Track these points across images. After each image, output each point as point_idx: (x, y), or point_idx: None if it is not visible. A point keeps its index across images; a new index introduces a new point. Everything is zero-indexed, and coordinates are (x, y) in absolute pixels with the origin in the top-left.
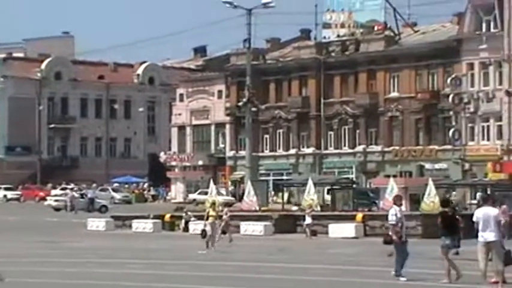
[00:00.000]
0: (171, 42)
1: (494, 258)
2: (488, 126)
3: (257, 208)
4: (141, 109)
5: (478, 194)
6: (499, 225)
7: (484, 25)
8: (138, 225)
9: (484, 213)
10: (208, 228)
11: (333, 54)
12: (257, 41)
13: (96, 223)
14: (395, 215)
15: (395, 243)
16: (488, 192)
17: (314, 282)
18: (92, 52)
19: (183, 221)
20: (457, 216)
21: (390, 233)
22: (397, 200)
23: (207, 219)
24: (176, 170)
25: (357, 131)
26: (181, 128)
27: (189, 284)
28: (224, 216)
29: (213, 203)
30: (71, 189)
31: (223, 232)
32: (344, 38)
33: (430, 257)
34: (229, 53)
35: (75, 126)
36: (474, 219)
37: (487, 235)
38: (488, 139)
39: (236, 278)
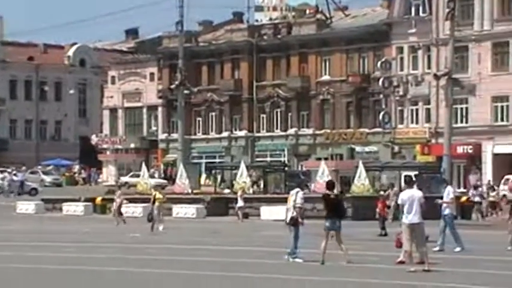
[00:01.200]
0: (102, 24)
1: (417, 240)
2: (417, 109)
3: (189, 191)
4: (72, 91)
5: (384, 177)
6: (422, 208)
7: (413, 9)
8: (69, 208)
9: (409, 196)
10: (155, 212)
11: (265, 37)
12: (189, 23)
13: (26, 206)
14: (303, 198)
15: (298, 225)
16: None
17: (243, 264)
18: (21, 33)
19: (114, 203)
20: (341, 199)
21: (295, 214)
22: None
23: (154, 202)
24: (108, 152)
25: (289, 114)
26: (113, 111)
27: (120, 267)
28: (117, 200)
29: (159, 186)
30: (9, 172)
31: (120, 214)
32: (276, 21)
33: (357, 239)
34: (161, 36)
35: (4, 108)
36: (399, 201)
37: (412, 217)
38: (417, 122)
39: (167, 261)
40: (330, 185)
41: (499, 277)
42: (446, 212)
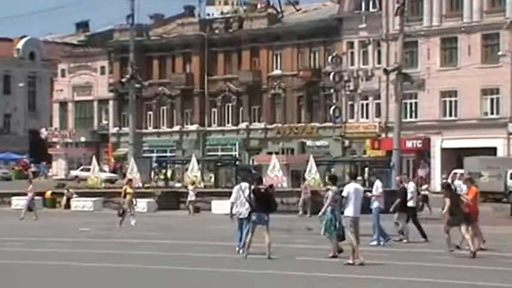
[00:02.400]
0: (52, 16)
1: (356, 233)
2: (367, 104)
3: (140, 185)
4: (21, 84)
5: (332, 171)
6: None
7: (363, 4)
8: (18, 202)
9: (355, 189)
10: (125, 206)
11: (216, 31)
12: (141, 17)
13: None
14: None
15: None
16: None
17: (192, 258)
18: None
19: (64, 198)
20: (271, 194)
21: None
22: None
23: (125, 196)
24: (58, 146)
25: (240, 108)
26: (63, 104)
27: (69, 261)
28: (29, 194)
29: (130, 180)
30: None
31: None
32: (228, 15)
33: (305, 233)
34: (112, 29)
35: None
36: (344, 194)
37: (356, 210)
38: (367, 117)
39: (116, 255)
40: (259, 180)
41: (431, 270)
42: (375, 205)
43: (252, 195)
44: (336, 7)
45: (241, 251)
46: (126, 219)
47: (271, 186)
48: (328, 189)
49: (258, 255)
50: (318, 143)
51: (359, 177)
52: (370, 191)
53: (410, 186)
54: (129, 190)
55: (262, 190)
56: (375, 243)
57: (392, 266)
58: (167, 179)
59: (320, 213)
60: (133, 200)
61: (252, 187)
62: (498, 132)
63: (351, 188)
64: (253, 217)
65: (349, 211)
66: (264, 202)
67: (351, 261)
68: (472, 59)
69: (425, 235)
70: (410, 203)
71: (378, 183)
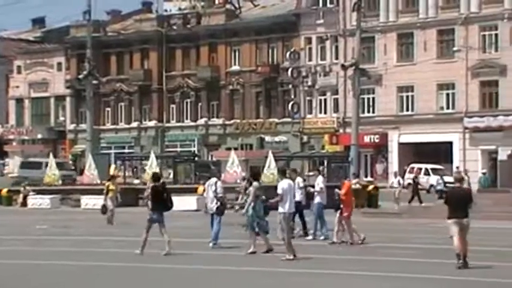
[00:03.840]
0: (8, 12)
1: (282, 227)
2: (325, 99)
3: (98, 182)
4: None
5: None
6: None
7: (320, 0)
8: None
9: (289, 185)
10: (109, 203)
11: (174, 27)
12: (98, 13)
13: None
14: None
15: (223, 214)
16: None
17: (151, 255)
18: None
19: (21, 195)
20: (167, 191)
21: (220, 204)
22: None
23: (107, 193)
24: (14, 143)
25: (199, 104)
26: (20, 101)
27: (25, 260)
28: None
29: (113, 177)
30: None
31: None
32: (185, 11)
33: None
34: (69, 25)
35: None
36: (279, 191)
37: (291, 206)
38: (325, 112)
39: (74, 253)
40: (155, 177)
41: (363, 263)
42: (317, 200)
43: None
44: (293, 3)
45: (210, 244)
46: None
47: (163, 184)
48: (250, 185)
49: (229, 249)
50: (276, 139)
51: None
52: (313, 186)
53: (300, 181)
54: (111, 187)
55: (160, 188)
56: (322, 237)
57: (332, 260)
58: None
59: (244, 210)
60: (117, 196)
61: (151, 184)
62: (454, 127)
63: (285, 185)
64: (154, 216)
65: (285, 207)
66: (161, 199)
67: (290, 257)
68: (428, 55)
69: (306, 231)
70: (297, 198)
71: (319, 179)
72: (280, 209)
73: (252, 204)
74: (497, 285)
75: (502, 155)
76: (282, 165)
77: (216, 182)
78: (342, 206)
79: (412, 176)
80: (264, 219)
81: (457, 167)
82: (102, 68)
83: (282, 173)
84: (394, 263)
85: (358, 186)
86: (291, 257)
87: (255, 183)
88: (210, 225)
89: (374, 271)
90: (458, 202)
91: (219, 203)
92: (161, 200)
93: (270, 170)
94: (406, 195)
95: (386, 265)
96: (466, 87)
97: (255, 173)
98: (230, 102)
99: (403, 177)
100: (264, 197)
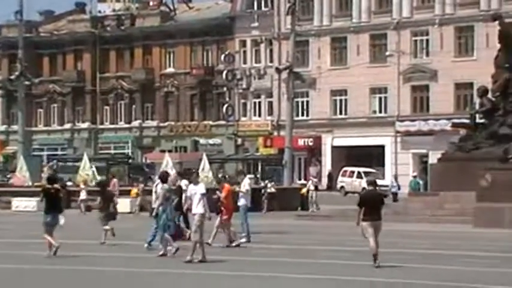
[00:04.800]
0: None
1: (195, 229)
2: (259, 102)
3: (30, 184)
4: None
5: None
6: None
7: (255, 3)
8: None
9: (192, 189)
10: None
11: (108, 28)
12: (30, 13)
13: None
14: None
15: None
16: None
17: (83, 258)
18: None
19: None
20: (61, 194)
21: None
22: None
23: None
24: None
25: (133, 106)
26: None
27: None
28: None
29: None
30: None
31: None
32: (119, 13)
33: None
34: (0, 24)
35: None
36: (188, 194)
37: (198, 208)
38: (259, 115)
39: (3, 256)
40: (51, 180)
41: (270, 264)
42: (241, 202)
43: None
44: (228, 6)
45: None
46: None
47: (62, 186)
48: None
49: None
50: (211, 141)
51: (251, 175)
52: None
53: (183, 185)
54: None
55: (53, 190)
56: (243, 240)
57: (241, 262)
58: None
59: (154, 213)
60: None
61: (43, 187)
62: (386, 131)
63: (192, 188)
64: (48, 219)
65: (199, 209)
66: (54, 202)
67: (189, 258)
68: (361, 59)
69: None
70: (242, 201)
71: (245, 181)
72: (195, 210)
73: (162, 207)
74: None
75: (433, 159)
76: (217, 167)
77: (188, 184)
78: (222, 209)
79: (344, 179)
80: (174, 222)
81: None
82: (35, 69)
83: (182, 175)
84: (324, 266)
85: (273, 190)
86: (190, 258)
87: (164, 186)
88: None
89: (298, 273)
90: (372, 205)
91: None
92: (54, 202)
93: (204, 172)
94: (331, 197)
95: (312, 267)
96: (398, 91)
97: (163, 176)
98: (164, 105)
99: (331, 180)
100: (174, 198)
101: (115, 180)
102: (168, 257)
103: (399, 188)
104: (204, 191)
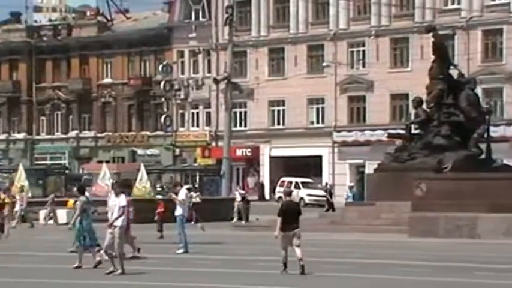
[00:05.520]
0: None
1: (116, 242)
2: (197, 112)
3: None
4: None
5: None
6: (124, 212)
7: (193, 14)
8: None
9: (113, 201)
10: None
11: (44, 38)
12: None
13: None
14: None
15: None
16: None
17: (21, 269)
18: None
19: None
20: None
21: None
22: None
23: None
24: None
25: (70, 117)
26: None
27: None
28: None
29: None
30: None
31: None
32: (56, 23)
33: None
34: None
35: None
36: (109, 205)
37: (118, 221)
38: (197, 125)
39: None
40: None
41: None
42: (178, 212)
43: None
44: (166, 16)
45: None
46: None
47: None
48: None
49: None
50: (149, 152)
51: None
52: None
53: (183, 194)
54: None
55: None
56: (181, 251)
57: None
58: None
59: (70, 224)
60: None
61: None
62: (323, 141)
63: (112, 201)
64: None
65: (118, 221)
66: None
67: (112, 269)
68: (299, 69)
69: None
70: (179, 211)
71: (183, 191)
72: (116, 223)
73: (79, 218)
74: None
75: (369, 169)
76: (155, 178)
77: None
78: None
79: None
80: (94, 233)
81: (326, 183)
82: None
83: (114, 187)
84: (261, 276)
85: (198, 200)
86: (113, 268)
87: (81, 198)
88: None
89: (235, 283)
90: (290, 215)
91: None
92: None
93: (141, 183)
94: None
95: (249, 278)
96: (335, 102)
97: (81, 187)
98: (102, 115)
99: (272, 190)
100: (94, 210)
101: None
102: (87, 268)
103: (354, 198)
104: (124, 203)
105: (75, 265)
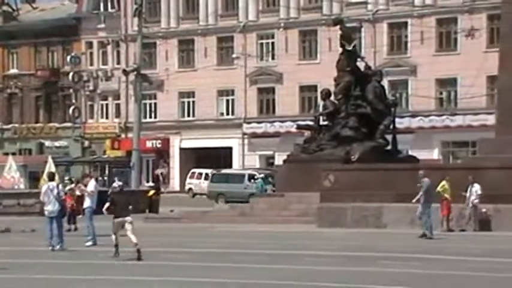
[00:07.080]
0: None
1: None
2: (107, 104)
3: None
4: None
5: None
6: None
7: (102, 4)
8: None
9: (48, 188)
10: None
11: None
12: None
13: None
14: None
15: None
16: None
17: None
18: None
19: None
20: None
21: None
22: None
23: None
24: None
25: None
26: None
27: None
28: None
29: None
30: None
31: None
32: None
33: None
34: None
35: None
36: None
37: (51, 207)
38: (107, 117)
39: None
40: None
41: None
42: (86, 204)
43: None
44: (74, 6)
45: (50, 247)
46: None
47: None
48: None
49: None
50: (57, 144)
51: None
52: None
53: (92, 186)
54: None
55: None
56: (90, 243)
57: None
58: None
59: None
60: None
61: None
62: (234, 132)
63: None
64: None
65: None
66: None
67: None
68: (209, 61)
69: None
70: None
71: (91, 182)
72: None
73: None
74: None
75: (279, 160)
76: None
77: (58, 185)
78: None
79: (192, 181)
80: None
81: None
82: None
83: (50, 178)
84: (169, 268)
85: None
86: None
87: None
88: (48, 228)
89: (149, 275)
90: (122, 203)
91: (60, 206)
92: None
93: (10, 172)
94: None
95: (161, 269)
96: (245, 93)
97: None
98: (8, 106)
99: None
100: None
101: None
102: None
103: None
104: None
105: None
